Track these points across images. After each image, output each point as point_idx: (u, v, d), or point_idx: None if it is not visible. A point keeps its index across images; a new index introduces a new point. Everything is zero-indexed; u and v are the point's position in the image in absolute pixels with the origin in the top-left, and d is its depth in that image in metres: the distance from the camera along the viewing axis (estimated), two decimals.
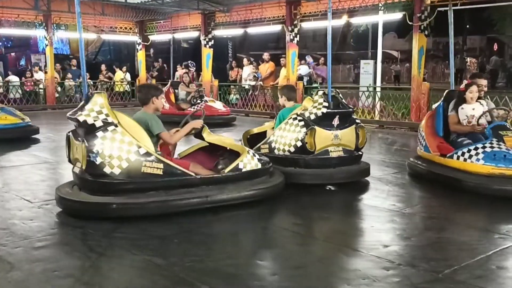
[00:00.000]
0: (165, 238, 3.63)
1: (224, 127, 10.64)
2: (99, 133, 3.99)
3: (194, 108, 10.70)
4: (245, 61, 15.10)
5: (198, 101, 11.21)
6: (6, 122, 8.54)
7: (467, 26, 28.02)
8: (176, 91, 11.83)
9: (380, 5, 11.83)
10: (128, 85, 17.15)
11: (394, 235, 3.78)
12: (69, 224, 3.97)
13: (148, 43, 17.13)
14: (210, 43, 14.63)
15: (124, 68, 17.51)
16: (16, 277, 2.97)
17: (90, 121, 4.03)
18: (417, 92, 10.38)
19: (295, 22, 12.52)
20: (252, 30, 15.06)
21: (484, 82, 5.70)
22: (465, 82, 5.82)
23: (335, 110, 5.20)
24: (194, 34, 15.84)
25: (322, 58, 14.42)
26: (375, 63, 13.29)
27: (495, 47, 25.94)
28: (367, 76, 13.45)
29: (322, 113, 5.13)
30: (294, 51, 12.64)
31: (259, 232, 4.00)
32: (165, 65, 18.73)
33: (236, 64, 16.51)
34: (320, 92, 5.38)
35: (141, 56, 17.27)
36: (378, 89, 12.52)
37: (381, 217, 4.23)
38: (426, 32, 10.38)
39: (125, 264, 3.22)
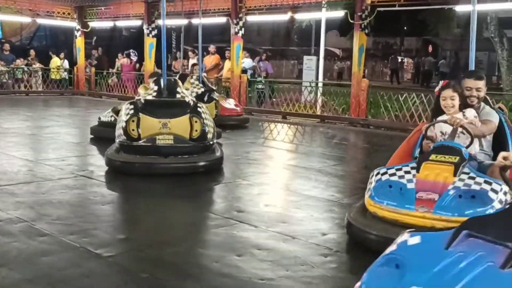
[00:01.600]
0: None
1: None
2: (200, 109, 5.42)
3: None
4: (190, 53, 14.93)
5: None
6: None
7: (405, 27, 29.21)
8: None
9: (323, 3, 12.07)
10: (65, 73, 16.46)
11: (333, 224, 3.88)
12: (1, 212, 3.77)
13: (88, 30, 16.50)
14: (153, 32, 14.34)
15: (62, 55, 16.78)
16: None
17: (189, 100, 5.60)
18: (357, 88, 10.69)
19: (240, 15, 12.52)
20: (197, 21, 14.88)
21: (474, 83, 3.78)
22: (439, 84, 4.05)
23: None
24: (136, 22, 15.44)
25: (265, 54, 14.56)
26: (318, 59, 13.54)
27: (430, 48, 27.19)
28: (310, 72, 13.68)
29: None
30: (239, 44, 12.65)
31: (199, 221, 4.00)
32: (105, 54, 18.12)
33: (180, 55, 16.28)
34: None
35: (79, 43, 16.60)
36: (320, 84, 12.82)
37: (320, 207, 4.33)
38: (366, 31, 10.71)
39: None
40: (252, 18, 13.04)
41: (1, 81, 15.16)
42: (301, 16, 14.73)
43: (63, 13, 15.95)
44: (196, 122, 5.28)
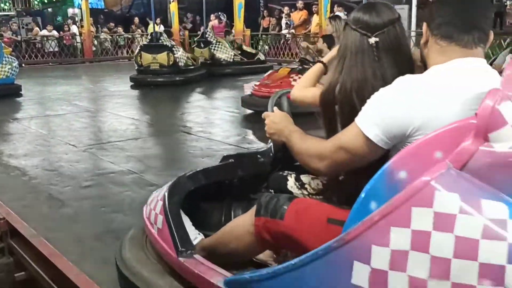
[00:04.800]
0: None
1: None
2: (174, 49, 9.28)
3: None
4: (285, 9, 14.85)
5: None
6: None
7: None
8: None
9: None
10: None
11: None
12: (113, 165, 4.09)
13: None
14: None
15: (158, 20, 17.36)
16: (67, 212, 3.11)
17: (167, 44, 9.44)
18: None
19: None
20: None
21: None
22: None
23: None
24: None
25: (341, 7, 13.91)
26: (410, 8, 12.69)
27: None
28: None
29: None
30: None
31: None
32: (197, 17, 18.47)
33: (267, 14, 16.14)
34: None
35: (173, 7, 17.03)
36: (412, 34, 12.05)
37: None
38: None
39: None
40: None
41: (106, 48, 16.12)
42: None
43: None
44: (170, 56, 9.05)
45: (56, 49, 15.16)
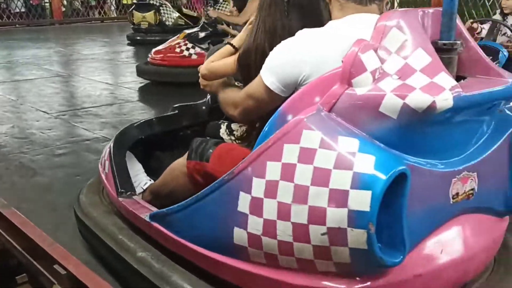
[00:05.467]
0: None
1: None
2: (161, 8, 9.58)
3: None
4: None
5: None
6: None
7: None
8: None
9: None
10: None
11: None
12: (88, 132, 4.01)
13: None
14: None
15: None
16: (40, 181, 3.04)
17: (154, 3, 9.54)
18: None
19: None
20: None
21: None
22: None
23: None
24: None
25: None
26: None
27: None
28: None
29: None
30: None
31: None
32: None
33: None
34: None
35: None
36: None
37: None
38: None
39: None
40: None
41: (77, 8, 15.61)
42: None
43: None
44: (158, 15, 9.31)
45: (23, 9, 14.62)
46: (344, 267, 1.15)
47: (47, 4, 15.05)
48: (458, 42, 1.21)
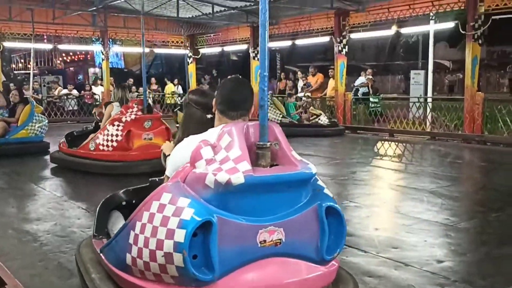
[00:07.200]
0: None
1: None
2: None
3: None
4: (299, 73, 16.05)
5: None
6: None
7: None
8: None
9: (431, 14, 12.08)
10: (179, 98, 18.39)
11: (449, 250, 3.80)
12: None
13: (199, 56, 18.37)
14: (258, 55, 15.58)
15: (176, 81, 18.81)
16: (75, 283, 3.15)
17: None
18: (470, 103, 10.47)
19: (344, 33, 13.10)
20: (300, 42, 15.83)
21: None
22: None
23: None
24: (243, 47, 16.85)
25: (370, 70, 14.90)
26: (426, 73, 13.54)
27: None
28: (417, 87, 13.70)
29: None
30: (343, 62, 13.25)
31: None
32: (215, 75, 19.82)
33: (284, 76, 17.35)
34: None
35: (191, 69, 18.51)
36: (429, 100, 12.72)
37: (434, 231, 4.26)
38: (480, 41, 10.50)
39: None
40: (355, 36, 13.46)
41: None
42: (407, 30, 14.76)
43: (176, 42, 18.03)
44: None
45: (76, 107, 16.59)
46: (177, 280, 1.95)
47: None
48: (268, 143, 2.05)
